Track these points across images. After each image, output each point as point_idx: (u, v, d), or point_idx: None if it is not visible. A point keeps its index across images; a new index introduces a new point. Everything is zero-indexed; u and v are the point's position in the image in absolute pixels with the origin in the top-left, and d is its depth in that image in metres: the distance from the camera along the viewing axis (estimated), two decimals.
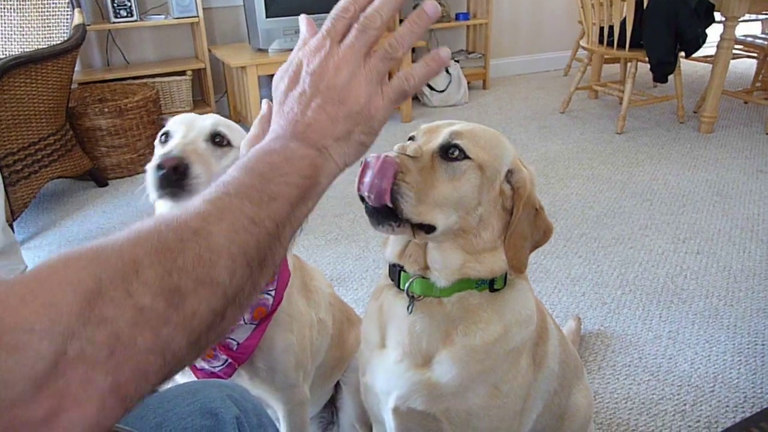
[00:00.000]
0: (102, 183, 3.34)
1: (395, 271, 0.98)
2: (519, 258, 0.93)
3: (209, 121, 1.14)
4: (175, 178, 1.02)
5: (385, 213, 0.86)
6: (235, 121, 4.21)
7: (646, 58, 3.78)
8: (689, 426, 1.66)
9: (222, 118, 1.18)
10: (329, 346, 1.43)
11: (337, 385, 1.59)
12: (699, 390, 1.78)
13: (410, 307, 0.95)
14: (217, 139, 1.13)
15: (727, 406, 1.72)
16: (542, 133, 3.97)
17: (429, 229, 0.88)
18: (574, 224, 2.77)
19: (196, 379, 1.15)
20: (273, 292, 1.19)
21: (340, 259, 2.54)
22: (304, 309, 1.31)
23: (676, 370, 1.86)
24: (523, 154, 3.79)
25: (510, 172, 0.95)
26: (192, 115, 1.17)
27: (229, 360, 1.17)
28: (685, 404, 1.73)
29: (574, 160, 3.52)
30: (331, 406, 1.65)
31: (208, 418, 0.78)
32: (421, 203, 0.85)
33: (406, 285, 0.95)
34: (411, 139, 0.98)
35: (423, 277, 0.94)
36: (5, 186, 2.63)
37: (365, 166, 0.84)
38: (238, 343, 1.17)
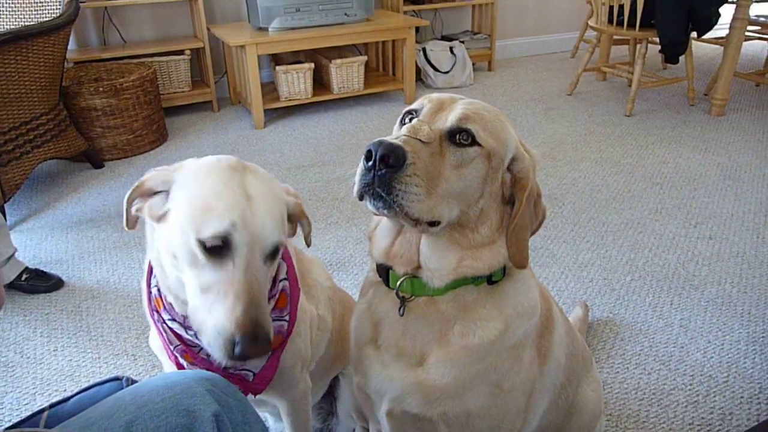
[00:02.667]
0: (98, 164, 3.26)
1: (383, 270, 0.90)
2: (522, 252, 0.85)
3: (274, 234, 0.89)
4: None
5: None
6: (234, 104, 4.07)
7: (657, 38, 3.67)
8: (702, 418, 1.59)
9: (283, 202, 0.94)
10: (329, 341, 1.36)
11: (336, 376, 1.53)
12: (712, 380, 1.71)
13: (402, 310, 0.88)
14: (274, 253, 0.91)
15: (742, 397, 1.65)
16: (549, 115, 3.87)
17: (432, 223, 0.80)
18: (582, 208, 2.68)
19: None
20: (288, 316, 1.09)
21: (341, 243, 2.47)
22: (306, 306, 1.23)
23: (688, 360, 1.78)
24: (529, 137, 3.67)
25: (513, 160, 0.87)
26: (250, 205, 0.87)
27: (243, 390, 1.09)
28: (697, 395, 1.66)
29: (582, 142, 3.42)
30: (330, 396, 1.59)
31: (183, 416, 0.71)
32: (430, 196, 0.77)
33: (397, 285, 0.87)
34: (411, 113, 0.89)
35: (414, 277, 0.86)
36: None
37: (368, 155, 0.76)
38: (254, 374, 1.08)
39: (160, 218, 0.91)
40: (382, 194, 0.75)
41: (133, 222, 0.97)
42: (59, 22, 2.77)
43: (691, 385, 1.69)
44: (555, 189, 2.86)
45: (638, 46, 3.84)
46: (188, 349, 1.00)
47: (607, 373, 1.74)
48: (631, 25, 3.70)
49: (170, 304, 0.99)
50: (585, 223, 2.56)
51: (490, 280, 0.87)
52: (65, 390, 1.78)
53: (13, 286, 2.21)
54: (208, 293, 0.84)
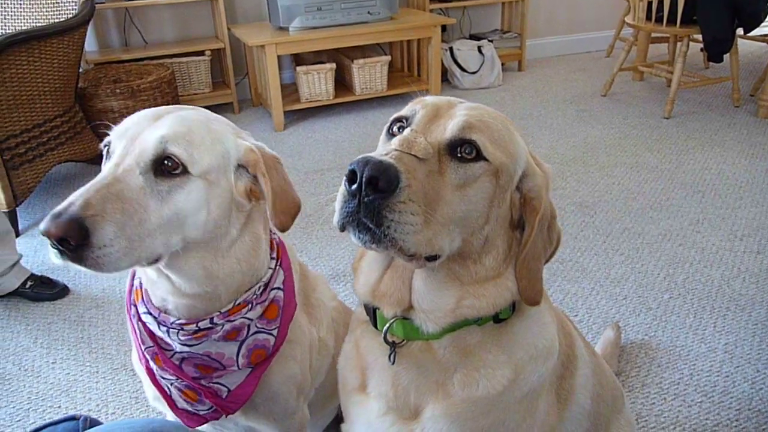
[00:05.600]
0: None
1: (370, 310, 0.76)
2: (535, 286, 0.71)
3: (157, 134, 0.81)
4: (72, 248, 0.73)
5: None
6: (255, 105, 3.94)
7: (700, 36, 3.45)
8: None
9: (187, 123, 0.85)
10: (330, 366, 1.23)
11: None
12: (762, 415, 1.52)
13: (392, 357, 0.74)
14: (167, 164, 0.81)
15: None
16: (581, 117, 3.68)
17: (431, 257, 0.67)
18: (616, 218, 2.50)
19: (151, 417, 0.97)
20: (276, 331, 0.98)
21: (354, 253, 2.33)
22: (306, 328, 1.11)
23: (733, 391, 1.60)
24: (560, 140, 3.45)
25: (523, 177, 0.73)
26: (146, 117, 0.85)
27: (216, 407, 0.98)
28: None
29: (617, 146, 3.23)
30: (335, 427, 1.46)
31: None
32: (428, 226, 0.63)
33: (384, 329, 0.73)
34: (401, 121, 0.75)
35: (405, 318, 0.72)
36: (7, 170, 2.51)
37: (351, 177, 0.62)
38: (229, 390, 0.98)
39: None
40: (370, 225, 0.61)
41: None
42: (73, 23, 2.71)
43: (737, 420, 1.51)
44: (586, 196, 2.68)
45: (679, 44, 3.62)
46: (160, 352, 0.95)
47: (642, 404, 1.57)
48: (672, 21, 3.49)
49: (146, 291, 0.95)
50: (618, 234, 2.37)
51: (497, 318, 0.73)
52: (59, 406, 1.70)
53: (18, 293, 2.14)
54: None
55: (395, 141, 0.66)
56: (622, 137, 3.35)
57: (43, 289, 2.16)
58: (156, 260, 0.83)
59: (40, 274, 2.22)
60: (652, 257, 2.21)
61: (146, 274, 0.93)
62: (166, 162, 0.81)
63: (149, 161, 0.80)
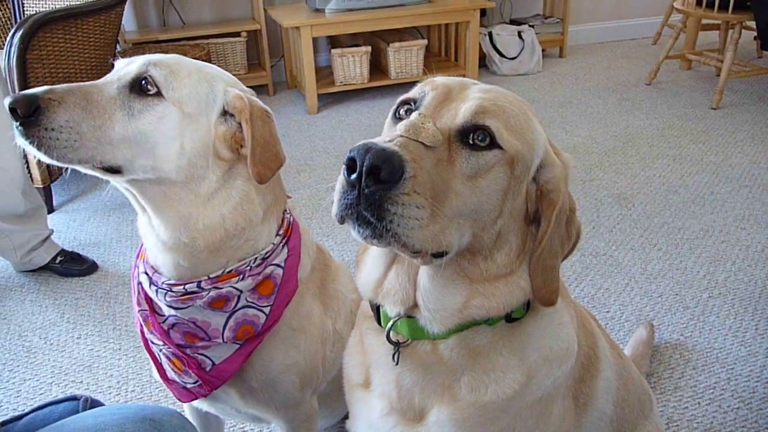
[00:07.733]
0: None
1: (374, 306, 0.72)
2: (550, 285, 0.65)
3: (141, 60, 0.88)
4: (21, 121, 0.80)
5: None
6: (290, 87, 3.92)
7: (753, 22, 3.28)
8: None
9: (180, 60, 0.90)
10: None
11: None
12: None
13: (396, 357, 0.69)
14: (144, 85, 0.86)
15: None
16: (623, 106, 3.54)
17: (438, 254, 0.62)
18: (655, 211, 2.39)
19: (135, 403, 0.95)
20: (268, 309, 0.95)
21: None
22: (318, 318, 1.08)
23: None
24: (599, 129, 3.33)
25: (540, 167, 0.67)
26: (156, 56, 0.90)
27: (199, 382, 0.96)
28: None
29: (660, 137, 3.09)
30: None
31: None
32: (435, 220, 0.58)
33: (388, 327, 0.69)
34: (409, 103, 0.70)
35: (410, 316, 0.68)
36: None
37: (350, 165, 0.57)
38: (213, 364, 0.96)
39: None
40: (371, 219, 0.56)
41: None
42: (110, 1, 2.72)
43: None
44: (625, 188, 2.58)
45: (730, 31, 3.45)
46: (152, 315, 0.96)
47: (674, 408, 1.49)
48: (723, 7, 3.32)
49: (145, 250, 0.98)
50: (657, 229, 2.27)
51: (510, 317, 0.68)
52: (81, 381, 1.71)
53: (48, 268, 2.18)
54: None
55: (401, 126, 0.61)
56: (666, 128, 3.21)
57: (72, 265, 2.19)
58: (115, 171, 0.87)
59: (70, 250, 2.25)
60: (692, 254, 2.11)
61: (140, 221, 0.96)
62: (143, 82, 0.86)
63: (129, 79, 0.86)
